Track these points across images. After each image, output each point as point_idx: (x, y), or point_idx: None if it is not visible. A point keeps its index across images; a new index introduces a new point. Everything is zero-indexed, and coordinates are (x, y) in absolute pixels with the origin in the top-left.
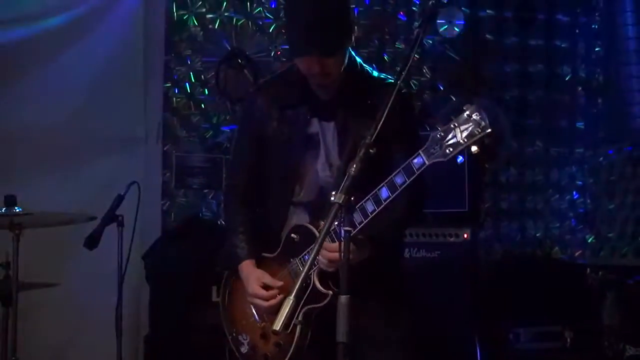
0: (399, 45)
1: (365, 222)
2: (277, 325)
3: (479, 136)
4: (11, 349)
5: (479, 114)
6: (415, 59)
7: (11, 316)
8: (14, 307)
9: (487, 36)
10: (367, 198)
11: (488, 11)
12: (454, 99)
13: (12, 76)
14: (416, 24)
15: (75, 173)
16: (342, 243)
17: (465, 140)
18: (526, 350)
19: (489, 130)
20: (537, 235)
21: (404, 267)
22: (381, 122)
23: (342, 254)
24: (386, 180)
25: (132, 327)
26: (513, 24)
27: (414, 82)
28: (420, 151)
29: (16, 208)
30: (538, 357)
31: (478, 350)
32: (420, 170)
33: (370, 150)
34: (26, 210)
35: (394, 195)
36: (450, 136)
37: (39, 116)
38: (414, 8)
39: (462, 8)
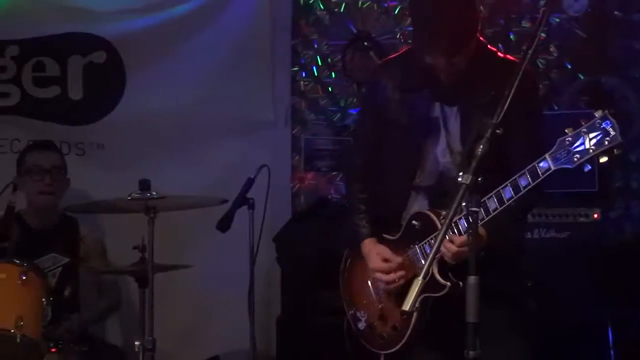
0: (525, 24)
1: (486, 219)
2: (407, 305)
3: (608, 146)
4: (148, 329)
5: (610, 122)
6: (541, 37)
7: (147, 297)
8: (150, 288)
9: (615, 13)
10: (489, 195)
11: None
12: (582, 78)
13: (142, 63)
14: (542, 2)
15: (206, 157)
16: (466, 234)
17: (594, 148)
18: None
19: (620, 141)
20: None
21: (528, 250)
22: (507, 103)
23: (470, 236)
24: (510, 180)
25: (264, 309)
26: None
27: (541, 61)
28: (546, 155)
29: (151, 192)
30: None
31: (610, 333)
32: (545, 175)
33: (497, 131)
34: (160, 194)
35: (517, 196)
36: (578, 143)
37: (169, 102)
38: None
39: None
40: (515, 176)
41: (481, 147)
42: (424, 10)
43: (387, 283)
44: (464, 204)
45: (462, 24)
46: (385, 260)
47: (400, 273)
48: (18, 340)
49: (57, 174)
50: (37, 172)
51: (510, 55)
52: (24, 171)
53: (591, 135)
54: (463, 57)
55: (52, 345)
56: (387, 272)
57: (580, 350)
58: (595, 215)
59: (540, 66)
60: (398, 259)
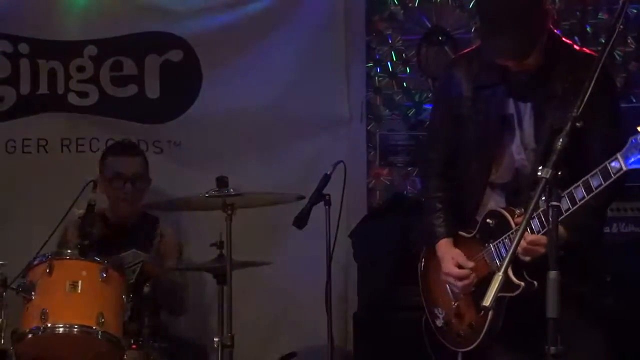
0: (602, 16)
1: (560, 218)
2: (487, 300)
3: None
4: (227, 325)
5: None
6: (619, 29)
7: (226, 294)
8: (229, 285)
9: None
10: (562, 195)
11: None
12: None
13: (218, 62)
14: None
15: (282, 154)
16: (547, 225)
17: None
18: None
19: None
20: None
21: (607, 244)
22: (587, 96)
23: (550, 231)
24: (582, 180)
25: (341, 305)
26: None
27: (618, 53)
28: (618, 155)
29: (228, 189)
30: None
31: None
32: (617, 175)
33: (577, 124)
34: (237, 191)
35: (589, 196)
36: None
37: (246, 100)
38: None
39: None
40: (587, 176)
41: (561, 140)
42: (490, 11)
43: (460, 288)
44: (543, 198)
45: (530, 25)
46: (459, 265)
47: (473, 278)
48: (99, 336)
49: (138, 181)
50: (117, 180)
51: (587, 48)
52: (105, 177)
53: None
54: (533, 56)
55: (132, 341)
56: (460, 279)
57: None
58: None
59: (618, 58)
60: (471, 264)
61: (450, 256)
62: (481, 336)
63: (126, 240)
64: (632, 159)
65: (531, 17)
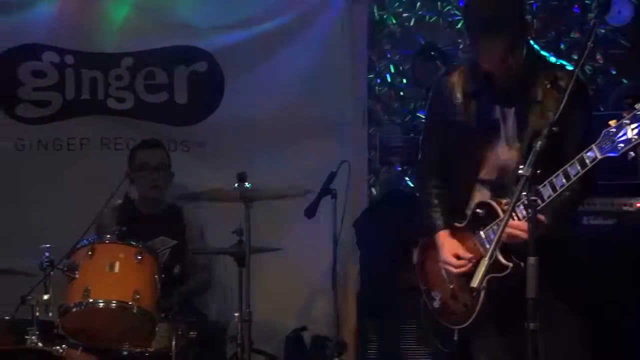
0: (574, 35)
1: (542, 205)
2: (475, 282)
3: None
4: (245, 301)
5: None
6: (590, 47)
7: (245, 275)
8: (247, 267)
9: None
10: (544, 184)
11: None
12: (625, 82)
13: (239, 72)
14: (590, 15)
15: (294, 153)
16: (527, 217)
17: (636, 137)
18: None
19: None
20: None
21: (578, 236)
22: (563, 104)
23: (529, 223)
24: (561, 170)
25: (346, 285)
26: None
27: (589, 67)
28: (593, 145)
29: (247, 184)
30: None
31: None
32: (592, 164)
33: (554, 129)
34: (255, 185)
35: (568, 184)
36: (621, 133)
37: (262, 106)
38: (587, 1)
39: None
40: (566, 166)
41: (539, 142)
42: (479, 13)
43: (456, 273)
44: (524, 193)
45: (511, 33)
46: (457, 255)
47: (469, 266)
48: (135, 311)
49: (163, 170)
50: (146, 169)
51: (562, 61)
52: (134, 167)
53: (633, 125)
54: (516, 59)
55: (163, 315)
56: (456, 267)
57: (623, 325)
58: (638, 205)
59: (588, 72)
60: (469, 255)
61: (449, 246)
62: (475, 313)
63: (155, 228)
64: (606, 148)
65: (513, 26)
